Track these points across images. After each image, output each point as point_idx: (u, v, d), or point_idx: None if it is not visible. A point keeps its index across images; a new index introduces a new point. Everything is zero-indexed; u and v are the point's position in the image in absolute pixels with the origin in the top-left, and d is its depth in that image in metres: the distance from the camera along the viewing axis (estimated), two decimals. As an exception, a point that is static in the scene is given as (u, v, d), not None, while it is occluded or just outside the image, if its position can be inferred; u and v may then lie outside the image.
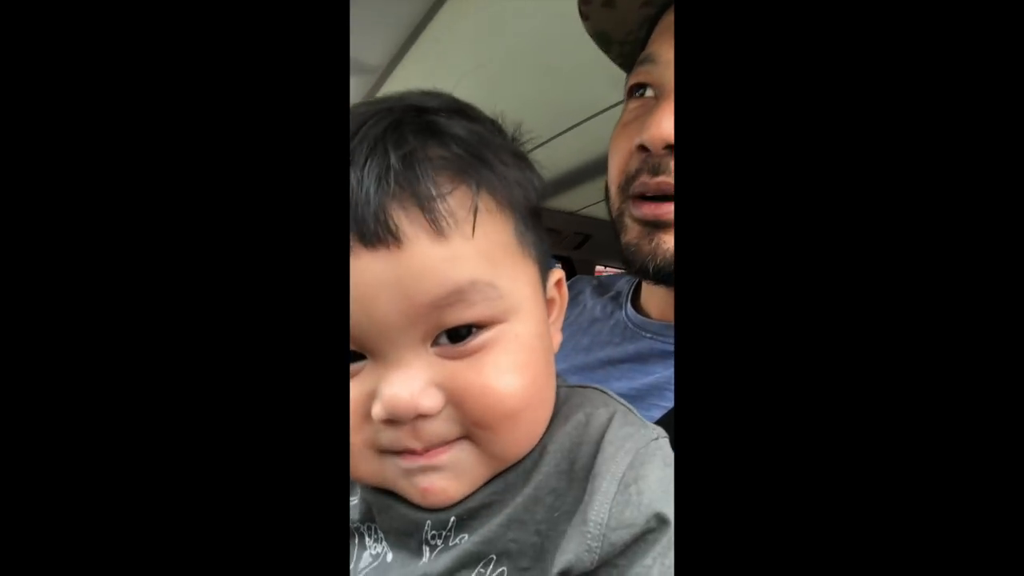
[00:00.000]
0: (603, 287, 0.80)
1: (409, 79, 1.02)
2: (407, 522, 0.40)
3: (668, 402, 0.57)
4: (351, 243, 0.33)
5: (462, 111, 0.40)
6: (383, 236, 0.33)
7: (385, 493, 0.41)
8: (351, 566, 0.41)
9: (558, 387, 0.43)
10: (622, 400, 0.44)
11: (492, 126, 0.42)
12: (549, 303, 0.44)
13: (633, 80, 0.62)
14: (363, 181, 0.33)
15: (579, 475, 0.38)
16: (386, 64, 1.00)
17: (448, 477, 0.38)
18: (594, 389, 0.45)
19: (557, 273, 0.44)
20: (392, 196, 0.33)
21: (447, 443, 0.37)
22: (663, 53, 0.58)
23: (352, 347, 0.36)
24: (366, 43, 0.93)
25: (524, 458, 0.40)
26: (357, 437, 0.37)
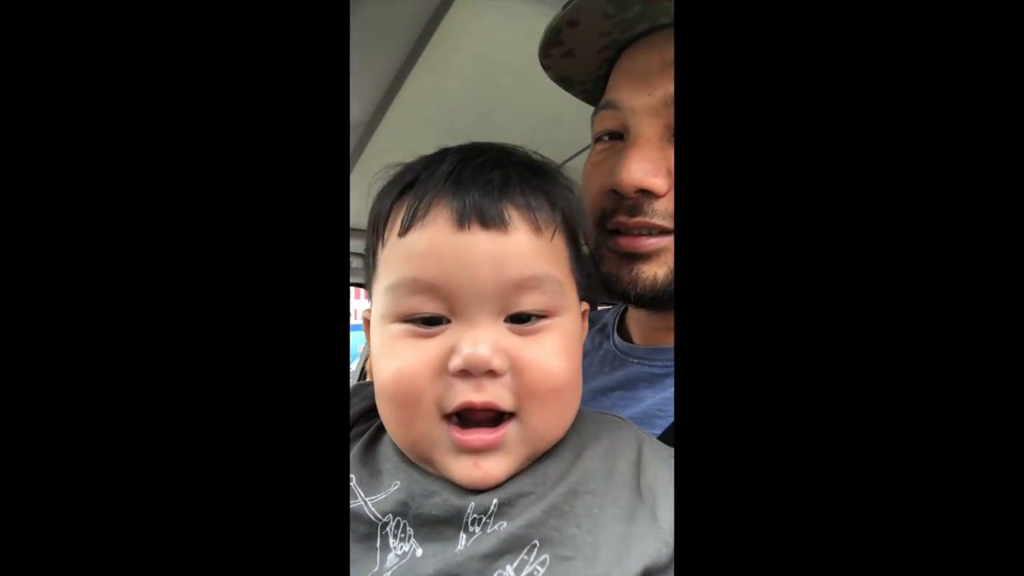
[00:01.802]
0: (590, 322, 0.82)
1: (393, 132, 1.06)
2: (449, 508, 0.43)
3: (657, 430, 0.58)
4: (469, 224, 0.42)
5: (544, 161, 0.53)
6: (499, 222, 0.42)
7: (430, 479, 0.45)
8: (375, 568, 0.42)
9: (584, 411, 0.50)
10: (638, 427, 0.51)
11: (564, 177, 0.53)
12: None
13: (598, 127, 0.66)
14: (492, 182, 0.44)
15: (617, 482, 0.44)
16: (368, 119, 1.04)
17: (495, 457, 0.43)
18: (614, 416, 0.52)
19: (583, 305, 0.51)
20: (510, 198, 0.44)
21: (497, 423, 0.43)
22: (624, 99, 0.61)
23: (441, 310, 0.43)
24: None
25: (561, 457, 0.46)
26: (428, 391, 0.43)
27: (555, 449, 0.46)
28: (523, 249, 0.43)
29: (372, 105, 1.01)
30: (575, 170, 0.66)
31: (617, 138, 0.64)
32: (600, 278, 0.65)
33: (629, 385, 0.65)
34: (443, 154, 0.48)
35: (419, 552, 0.43)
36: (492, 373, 0.42)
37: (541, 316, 0.44)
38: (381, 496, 0.45)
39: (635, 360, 0.66)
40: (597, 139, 0.66)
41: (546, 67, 0.69)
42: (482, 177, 0.44)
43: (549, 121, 1.03)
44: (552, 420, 0.44)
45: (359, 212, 0.46)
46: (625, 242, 0.60)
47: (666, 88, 0.58)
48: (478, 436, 0.42)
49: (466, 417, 0.43)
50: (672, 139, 0.59)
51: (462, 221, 0.42)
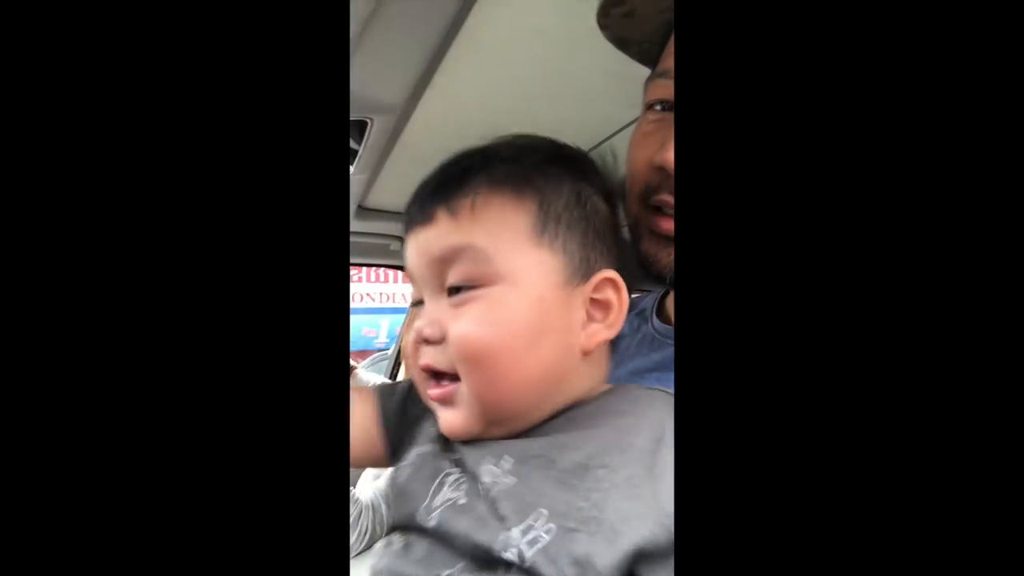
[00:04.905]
0: (630, 306, 0.82)
1: (431, 114, 1.07)
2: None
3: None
4: (413, 227, 0.51)
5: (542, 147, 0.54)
6: (425, 219, 0.49)
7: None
8: (426, 503, 0.47)
9: (623, 384, 0.53)
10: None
11: (581, 160, 0.54)
12: (596, 304, 0.50)
13: (651, 95, 0.64)
14: (427, 185, 0.51)
15: (634, 457, 0.43)
16: (404, 102, 1.04)
17: (452, 410, 0.49)
18: (651, 390, 0.51)
19: (605, 273, 0.50)
20: (437, 200, 0.49)
21: (443, 375, 0.49)
22: None
23: (419, 295, 0.51)
24: (381, 82, 0.97)
25: (579, 425, 0.48)
26: (415, 359, 0.50)
27: (574, 417, 0.48)
28: (441, 229, 0.49)
29: (408, 88, 1.01)
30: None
31: (671, 109, 0.62)
32: (636, 256, 0.64)
33: (665, 366, 0.65)
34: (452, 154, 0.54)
35: (462, 501, 0.46)
36: (428, 341, 0.48)
37: (471, 287, 0.47)
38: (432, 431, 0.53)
39: (671, 342, 0.66)
40: (649, 106, 0.64)
41: (603, 27, 0.67)
42: (422, 190, 0.51)
43: (583, 101, 1.02)
44: (486, 384, 0.47)
45: (400, 194, 0.48)
46: (667, 223, 0.59)
47: None
48: (430, 390, 0.50)
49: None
50: None
51: (411, 224, 0.51)
